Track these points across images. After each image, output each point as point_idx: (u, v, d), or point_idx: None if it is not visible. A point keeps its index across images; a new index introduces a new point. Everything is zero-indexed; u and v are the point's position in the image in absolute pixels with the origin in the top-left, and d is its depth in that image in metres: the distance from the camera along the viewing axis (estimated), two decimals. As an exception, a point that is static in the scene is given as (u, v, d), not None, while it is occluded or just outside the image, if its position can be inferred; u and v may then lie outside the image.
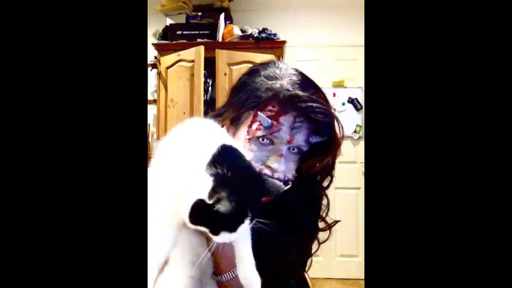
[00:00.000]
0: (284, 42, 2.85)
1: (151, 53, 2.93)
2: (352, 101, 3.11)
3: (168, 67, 2.70)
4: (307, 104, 0.61)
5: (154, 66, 2.90)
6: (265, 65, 0.69)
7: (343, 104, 3.12)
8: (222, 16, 2.86)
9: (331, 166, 0.70)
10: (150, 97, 3.03)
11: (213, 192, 0.48)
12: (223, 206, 0.48)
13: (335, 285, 3.01)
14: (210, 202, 0.48)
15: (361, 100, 3.09)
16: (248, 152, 0.63)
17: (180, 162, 0.53)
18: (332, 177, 0.71)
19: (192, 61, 2.49)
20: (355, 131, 3.12)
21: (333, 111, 0.66)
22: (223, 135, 0.60)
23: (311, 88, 0.66)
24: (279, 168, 0.62)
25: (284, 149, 0.63)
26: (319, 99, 0.64)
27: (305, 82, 0.66)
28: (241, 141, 0.64)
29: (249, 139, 0.63)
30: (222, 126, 0.65)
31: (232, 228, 0.49)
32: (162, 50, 2.82)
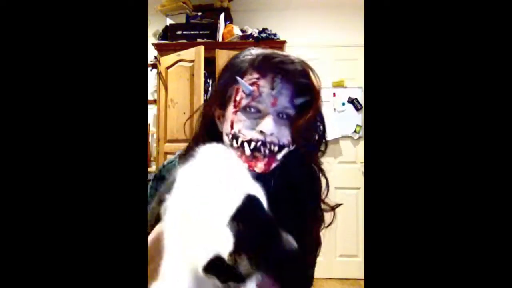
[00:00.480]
0: (284, 42, 2.84)
1: (151, 53, 2.93)
2: (352, 101, 3.11)
3: (168, 67, 2.70)
4: (279, 59, 0.63)
5: (154, 66, 2.90)
6: (241, 51, 0.72)
7: (343, 104, 3.12)
8: (222, 16, 2.86)
9: (322, 131, 0.70)
10: (150, 97, 3.03)
11: (233, 252, 0.48)
12: (243, 269, 0.47)
13: (335, 285, 3.01)
14: (230, 262, 0.47)
15: (361, 100, 3.09)
16: (237, 123, 0.64)
17: (202, 208, 0.51)
18: (326, 145, 0.71)
19: (192, 61, 2.49)
20: (355, 131, 3.11)
21: (304, 61, 0.67)
22: (245, 176, 0.58)
23: (285, 53, 0.68)
24: (269, 130, 0.62)
25: (270, 111, 0.64)
26: (290, 56, 0.66)
27: (278, 52, 0.68)
28: (229, 118, 0.65)
29: (235, 111, 0.65)
30: (212, 114, 0.69)
31: (241, 280, 0.48)
32: (162, 50, 2.82)
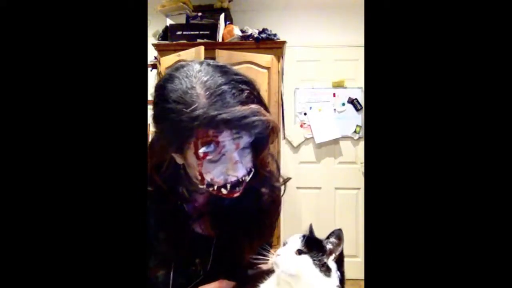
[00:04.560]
0: (284, 42, 2.85)
1: (151, 53, 2.93)
2: (352, 101, 3.10)
3: (168, 68, 2.69)
4: (234, 116, 0.58)
5: (154, 66, 2.90)
6: (170, 80, 0.64)
7: (343, 104, 3.12)
8: (222, 16, 2.86)
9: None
10: (150, 97, 3.02)
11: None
12: None
13: (335, 285, 3.00)
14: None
15: (361, 100, 3.09)
16: (207, 174, 0.63)
17: None
18: (277, 131, 0.70)
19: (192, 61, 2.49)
20: (355, 131, 3.11)
21: (255, 88, 0.64)
22: None
23: (225, 76, 0.62)
24: (240, 173, 0.64)
25: (235, 155, 0.63)
26: (242, 93, 0.61)
27: (217, 73, 0.62)
28: (195, 168, 0.64)
29: (200, 163, 0.63)
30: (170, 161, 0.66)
31: None
32: (162, 50, 2.82)
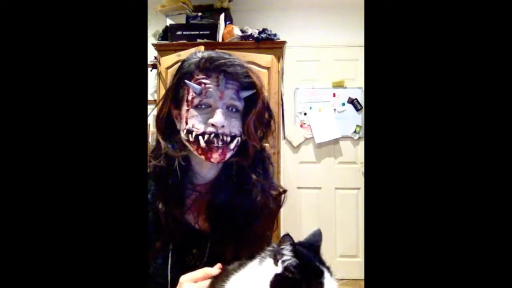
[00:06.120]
0: (284, 42, 2.84)
1: (151, 53, 2.93)
2: (352, 101, 3.10)
3: (168, 68, 2.69)
4: (220, 61, 0.71)
5: (154, 66, 2.90)
6: (190, 54, 0.78)
7: (343, 104, 3.12)
8: (222, 16, 2.86)
9: (267, 119, 0.78)
10: (150, 97, 3.03)
11: (276, 261, 0.50)
12: (294, 265, 0.49)
13: (335, 285, 3.00)
14: (281, 270, 0.49)
15: (361, 100, 3.09)
16: (191, 119, 0.71)
17: None
18: (272, 129, 0.79)
19: (192, 61, 2.49)
20: (355, 131, 3.11)
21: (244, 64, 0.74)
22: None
23: (226, 55, 0.74)
24: (219, 122, 0.69)
25: (219, 104, 0.70)
26: (231, 56, 0.74)
27: (221, 54, 0.75)
28: (184, 116, 0.72)
29: (188, 109, 0.72)
30: (166, 114, 0.75)
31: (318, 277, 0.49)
32: (162, 50, 2.82)
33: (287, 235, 0.50)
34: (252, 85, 0.73)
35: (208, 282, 0.59)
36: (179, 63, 0.78)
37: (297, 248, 0.50)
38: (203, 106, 0.71)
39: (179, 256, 0.74)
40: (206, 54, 0.74)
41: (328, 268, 0.52)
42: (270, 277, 0.49)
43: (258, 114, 0.74)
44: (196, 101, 0.71)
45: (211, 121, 0.69)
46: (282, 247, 0.50)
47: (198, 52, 0.77)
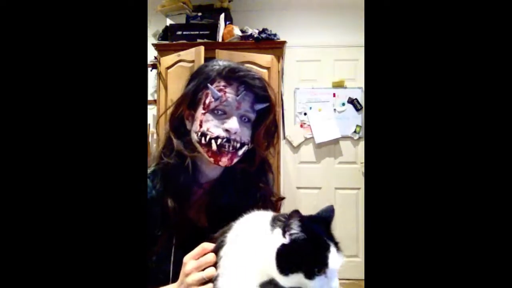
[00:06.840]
0: (284, 42, 2.85)
1: (151, 54, 2.93)
2: (352, 101, 3.11)
3: (168, 68, 2.69)
4: (243, 73, 0.75)
5: (154, 66, 2.90)
6: (210, 61, 0.82)
7: (343, 104, 3.12)
8: (222, 16, 2.86)
9: (274, 130, 0.83)
10: (150, 97, 3.03)
11: (284, 232, 0.52)
12: (301, 238, 0.51)
13: (335, 285, 3.00)
14: (288, 241, 0.51)
15: (361, 100, 3.09)
16: (206, 123, 0.74)
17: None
18: (276, 136, 0.84)
19: (192, 61, 2.49)
20: (355, 131, 3.11)
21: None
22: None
23: (245, 67, 0.79)
24: (234, 128, 0.73)
25: (235, 113, 0.74)
26: (252, 71, 0.79)
27: (240, 65, 0.80)
28: (199, 118, 0.75)
29: (204, 112, 0.75)
30: (181, 114, 0.79)
31: (323, 262, 0.51)
32: (162, 50, 2.82)
33: (296, 211, 0.52)
34: (267, 99, 0.77)
35: (210, 255, 0.60)
36: (197, 67, 0.82)
37: (305, 223, 0.52)
38: (219, 112, 0.74)
39: (182, 251, 0.75)
40: (227, 63, 0.78)
41: (336, 244, 0.55)
42: (277, 245, 0.52)
43: (267, 126, 0.78)
44: (212, 105, 0.74)
45: (226, 126, 0.73)
46: (290, 221, 0.52)
47: (219, 60, 0.81)
